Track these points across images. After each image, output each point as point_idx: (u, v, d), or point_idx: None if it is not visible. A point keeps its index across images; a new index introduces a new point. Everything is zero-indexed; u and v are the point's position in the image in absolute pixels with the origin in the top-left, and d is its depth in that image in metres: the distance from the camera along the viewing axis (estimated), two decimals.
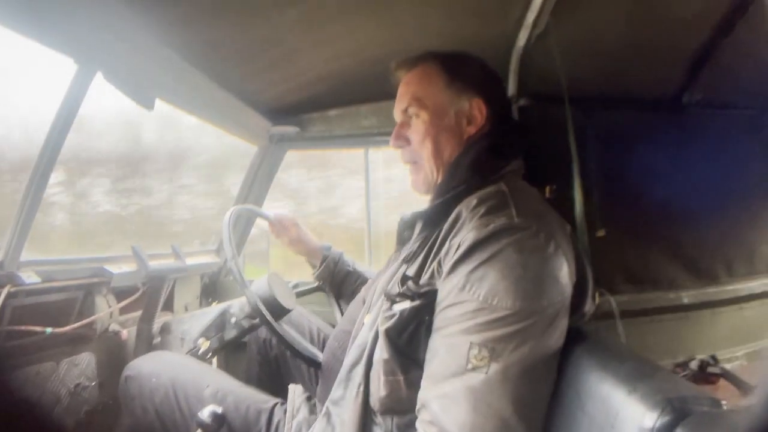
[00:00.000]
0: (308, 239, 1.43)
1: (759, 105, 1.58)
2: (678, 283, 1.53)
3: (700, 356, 1.42)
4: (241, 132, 1.69)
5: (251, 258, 2.20)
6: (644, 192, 1.44)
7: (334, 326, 1.37)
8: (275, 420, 0.92)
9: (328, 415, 0.84)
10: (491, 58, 0.96)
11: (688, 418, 0.49)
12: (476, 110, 0.88)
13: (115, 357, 1.35)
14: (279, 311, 1.15)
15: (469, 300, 0.69)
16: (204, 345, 1.19)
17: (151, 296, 1.41)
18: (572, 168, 1.25)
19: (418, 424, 0.70)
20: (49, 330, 1.13)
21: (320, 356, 1.12)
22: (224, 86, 1.35)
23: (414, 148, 0.91)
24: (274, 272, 1.24)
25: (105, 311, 1.28)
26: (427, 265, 0.78)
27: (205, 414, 0.88)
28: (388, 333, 0.74)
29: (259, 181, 1.80)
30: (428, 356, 0.72)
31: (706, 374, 1.37)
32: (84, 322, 1.22)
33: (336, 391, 0.85)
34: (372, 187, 1.96)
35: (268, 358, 1.32)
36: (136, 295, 1.37)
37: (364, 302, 0.94)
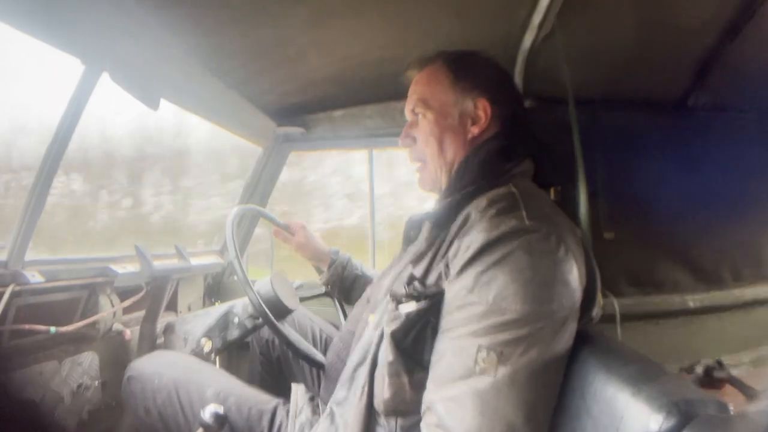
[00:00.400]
0: (316, 243, 1.41)
1: (765, 108, 1.57)
2: (683, 286, 1.52)
3: (706, 361, 1.40)
4: (246, 132, 1.70)
5: (255, 258, 2.20)
6: (649, 195, 1.44)
7: (336, 327, 1.37)
8: (277, 420, 0.91)
9: (331, 415, 0.84)
10: (497, 59, 0.96)
11: (694, 421, 0.48)
12: (481, 111, 0.88)
13: (118, 357, 1.35)
14: (282, 311, 1.15)
15: (477, 302, 0.68)
16: (207, 345, 1.20)
17: (154, 296, 1.41)
18: (578, 170, 1.25)
19: (423, 427, 0.70)
20: (53, 329, 1.13)
21: (323, 357, 1.12)
22: (230, 86, 1.35)
23: (420, 147, 0.92)
24: (277, 272, 1.24)
25: (108, 311, 1.28)
26: (434, 266, 0.78)
27: (207, 414, 0.88)
28: (394, 335, 0.74)
29: (263, 181, 1.81)
30: (434, 358, 0.72)
31: (711, 379, 1.35)
32: (87, 321, 1.22)
33: (339, 392, 0.84)
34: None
35: (271, 359, 1.32)
36: (140, 295, 1.38)
37: (368, 302, 0.94)
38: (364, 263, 1.42)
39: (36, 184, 1.08)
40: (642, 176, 1.44)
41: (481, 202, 0.77)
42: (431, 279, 0.76)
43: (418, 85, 0.94)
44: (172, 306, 1.60)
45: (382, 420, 0.77)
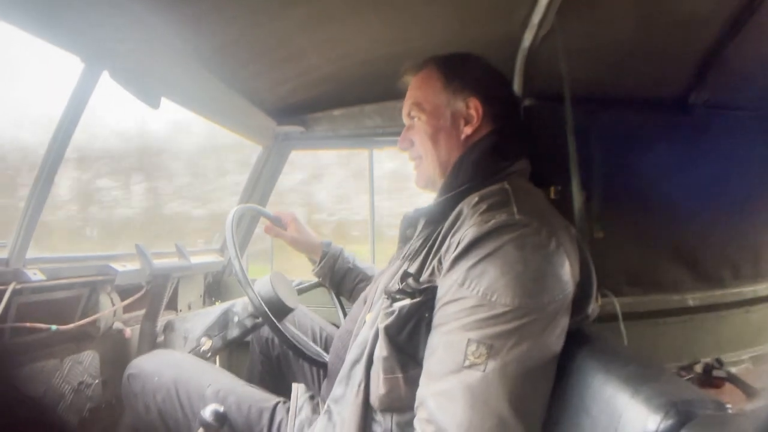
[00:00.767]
0: (307, 235, 1.40)
1: (766, 106, 1.57)
2: (683, 285, 1.52)
3: (705, 360, 1.40)
4: (246, 131, 1.70)
5: (255, 257, 2.20)
6: (650, 193, 1.43)
7: (336, 325, 1.37)
8: (277, 419, 0.92)
9: (329, 413, 0.84)
10: (496, 58, 0.96)
11: (692, 422, 0.48)
12: (473, 110, 0.89)
13: (118, 355, 1.35)
14: (282, 310, 1.15)
15: (468, 296, 0.68)
16: (207, 344, 1.20)
17: (154, 295, 1.42)
18: (575, 168, 1.25)
19: (415, 422, 0.70)
20: (54, 327, 1.13)
21: (323, 356, 1.12)
22: (230, 85, 1.35)
23: (416, 149, 0.95)
24: (277, 271, 1.24)
25: (109, 309, 1.28)
26: (428, 262, 0.78)
27: (207, 413, 0.88)
28: (388, 330, 0.74)
29: (263, 180, 1.81)
30: (427, 353, 0.72)
31: (711, 378, 1.35)
32: (88, 319, 1.22)
33: (337, 389, 0.85)
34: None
35: (271, 357, 1.32)
36: (140, 294, 1.38)
37: (365, 301, 0.94)
38: (356, 255, 1.41)
39: (37, 182, 1.08)
40: (643, 174, 1.44)
41: (473, 198, 0.78)
42: (425, 275, 0.77)
43: (412, 89, 0.96)
44: (173, 304, 1.61)
45: (378, 416, 0.77)
